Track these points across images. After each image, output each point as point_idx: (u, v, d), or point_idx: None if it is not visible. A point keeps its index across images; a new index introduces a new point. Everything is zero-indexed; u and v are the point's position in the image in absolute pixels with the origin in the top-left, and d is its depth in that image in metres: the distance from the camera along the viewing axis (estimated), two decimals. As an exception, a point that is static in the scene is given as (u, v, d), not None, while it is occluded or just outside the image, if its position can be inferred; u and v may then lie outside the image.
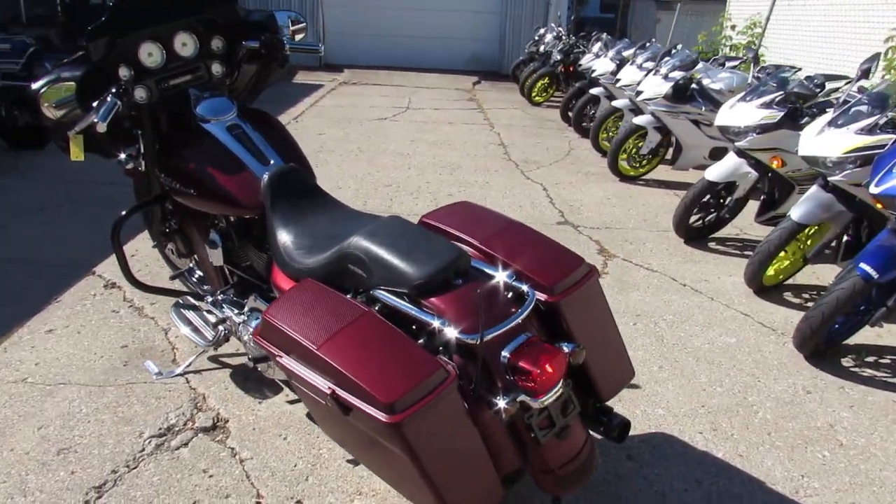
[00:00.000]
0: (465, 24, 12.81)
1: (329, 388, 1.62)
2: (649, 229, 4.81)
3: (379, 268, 1.81)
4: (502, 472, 1.79)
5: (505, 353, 1.72)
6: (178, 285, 2.98)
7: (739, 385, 2.92)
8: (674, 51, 5.95)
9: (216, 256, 2.54)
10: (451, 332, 1.68)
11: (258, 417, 2.53)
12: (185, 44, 2.48)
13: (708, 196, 4.51)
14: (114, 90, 2.27)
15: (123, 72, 2.34)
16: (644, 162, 6.04)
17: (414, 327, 1.78)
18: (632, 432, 2.51)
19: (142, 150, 2.54)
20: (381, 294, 1.82)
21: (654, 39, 7.30)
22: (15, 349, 2.89)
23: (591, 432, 2.01)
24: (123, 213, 2.64)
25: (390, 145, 6.94)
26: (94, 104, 2.24)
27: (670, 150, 5.99)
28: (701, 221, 4.63)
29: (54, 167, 5.45)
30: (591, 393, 1.99)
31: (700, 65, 5.84)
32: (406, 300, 1.79)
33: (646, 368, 2.99)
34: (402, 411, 1.52)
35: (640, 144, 5.93)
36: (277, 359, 1.75)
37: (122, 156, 2.52)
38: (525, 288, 1.81)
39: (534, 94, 9.95)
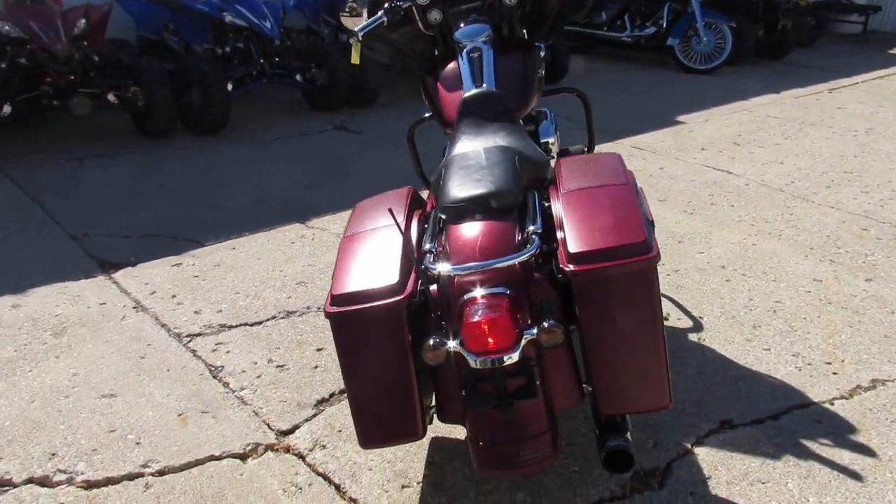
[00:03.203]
0: None
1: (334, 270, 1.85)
2: None
3: (440, 187, 1.87)
4: (450, 419, 1.76)
5: (465, 297, 1.61)
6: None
7: None
8: None
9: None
10: (426, 259, 1.67)
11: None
12: None
13: None
14: (386, 6, 2.67)
15: None
16: None
17: None
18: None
19: None
20: (434, 212, 1.89)
21: None
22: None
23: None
24: (425, 116, 3.00)
25: (923, 133, 5.43)
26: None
27: None
28: None
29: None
30: (595, 398, 1.64)
31: None
32: (440, 222, 1.82)
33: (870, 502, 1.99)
34: (339, 305, 1.66)
35: None
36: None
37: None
38: (536, 242, 1.63)
39: None
